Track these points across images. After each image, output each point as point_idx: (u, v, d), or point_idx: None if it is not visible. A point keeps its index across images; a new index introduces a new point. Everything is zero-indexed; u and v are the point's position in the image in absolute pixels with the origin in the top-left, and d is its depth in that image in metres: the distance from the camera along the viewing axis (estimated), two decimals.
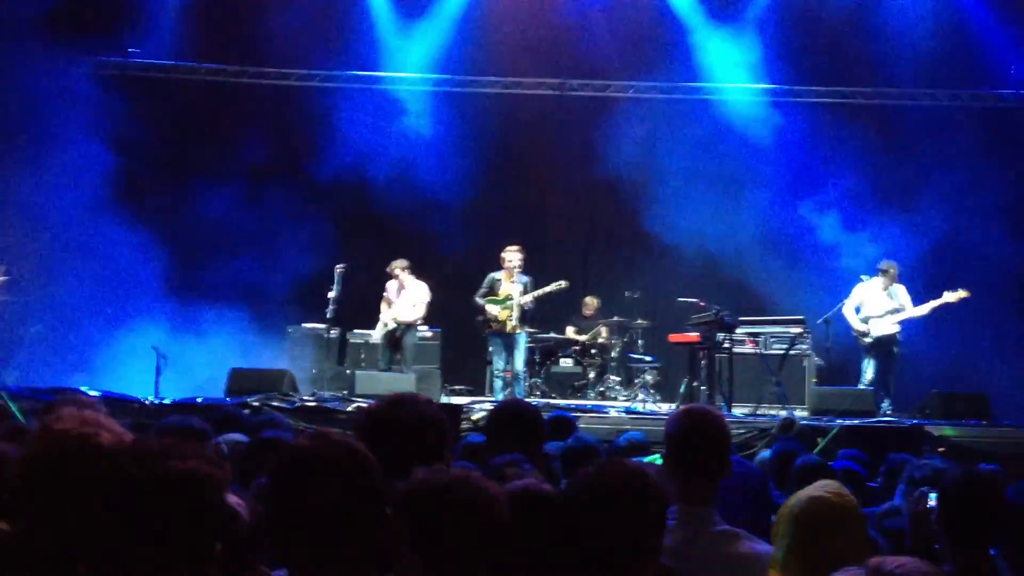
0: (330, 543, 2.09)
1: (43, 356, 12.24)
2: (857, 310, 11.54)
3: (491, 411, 4.15)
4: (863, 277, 11.69)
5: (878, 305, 11.47)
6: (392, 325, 11.82)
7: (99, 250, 12.73)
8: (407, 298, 11.84)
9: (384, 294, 11.96)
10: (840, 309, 11.56)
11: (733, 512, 3.31)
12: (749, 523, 3.13)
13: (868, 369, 11.47)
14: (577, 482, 2.68)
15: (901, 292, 11.54)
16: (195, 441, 4.32)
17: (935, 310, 11.38)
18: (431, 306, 11.88)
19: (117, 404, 8.94)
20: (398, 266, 11.86)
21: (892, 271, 11.50)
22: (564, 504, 2.63)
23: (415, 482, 2.28)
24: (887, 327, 11.39)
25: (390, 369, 11.66)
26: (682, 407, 3.50)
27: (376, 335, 12.04)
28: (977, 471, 3.83)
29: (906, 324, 11.49)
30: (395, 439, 2.84)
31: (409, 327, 11.86)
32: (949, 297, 11.24)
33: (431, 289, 11.89)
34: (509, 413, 4.14)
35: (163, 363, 10.87)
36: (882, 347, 11.43)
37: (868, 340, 11.44)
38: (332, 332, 12.25)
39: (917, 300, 11.48)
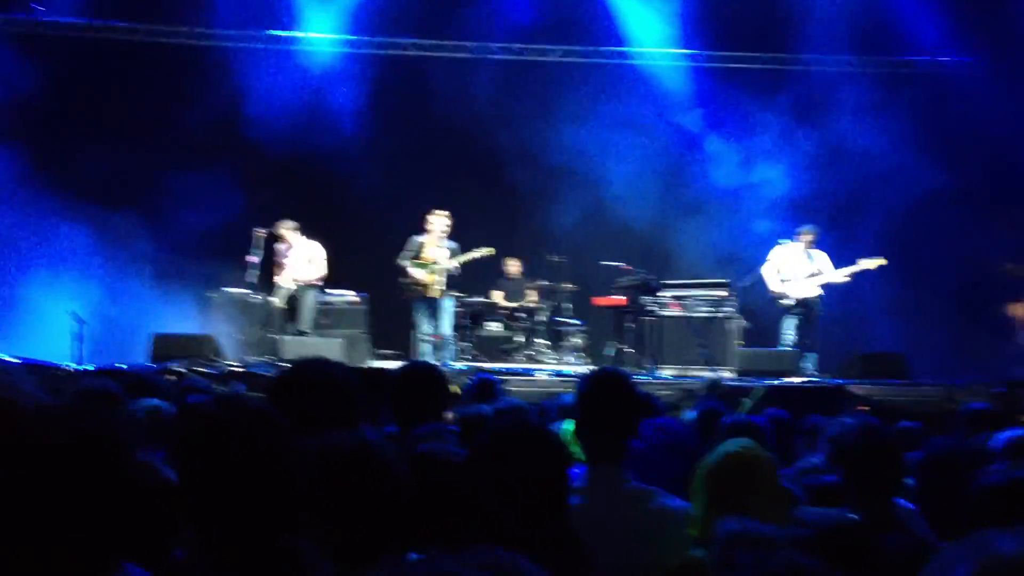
0: (238, 504, 2.09)
1: None
2: (777, 273, 11.72)
3: (395, 375, 4.12)
4: (780, 241, 11.86)
5: (797, 269, 11.67)
6: (292, 287, 11.64)
7: (13, 216, 12.40)
8: (300, 256, 11.66)
9: (274, 259, 11.76)
10: (759, 272, 11.73)
11: (664, 470, 3.35)
12: (681, 480, 3.16)
13: (788, 330, 11.68)
14: (477, 444, 2.68)
15: (821, 257, 11.75)
16: (109, 404, 4.27)
17: (853, 275, 11.60)
18: (330, 263, 11.73)
19: (37, 370, 8.73)
20: (286, 227, 11.65)
21: (811, 235, 11.71)
22: (465, 466, 2.64)
23: (311, 447, 2.28)
24: (808, 289, 11.60)
25: (300, 334, 11.46)
26: (592, 369, 3.57)
27: (278, 300, 11.80)
28: (872, 423, 3.97)
29: (830, 288, 11.70)
30: (305, 403, 2.84)
31: (308, 286, 11.70)
32: (866, 264, 11.48)
33: (327, 250, 11.75)
34: (412, 376, 4.14)
35: (82, 328, 10.67)
36: (804, 309, 11.64)
37: (786, 302, 11.63)
38: (256, 296, 12.08)
39: (839, 267, 11.69)
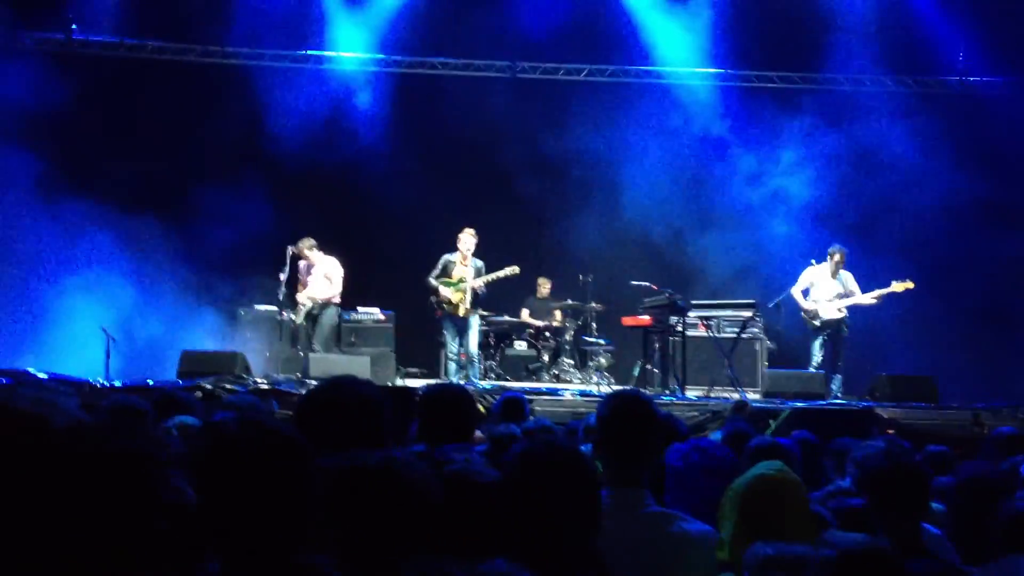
0: (254, 523, 2.10)
1: None
2: (805, 293, 11.68)
3: (422, 396, 4.10)
4: (812, 261, 11.82)
5: (826, 289, 11.63)
6: (309, 304, 11.70)
7: (44, 230, 12.54)
8: (318, 274, 11.71)
9: (299, 277, 11.83)
10: (789, 293, 11.70)
11: (702, 491, 3.33)
12: (718, 501, 3.14)
13: (817, 352, 11.63)
14: (509, 465, 2.69)
15: (848, 278, 11.70)
16: (137, 421, 4.32)
17: (881, 298, 11.54)
18: (347, 281, 11.77)
19: (65, 386, 8.80)
20: (305, 245, 11.68)
21: (840, 256, 11.66)
22: (497, 487, 2.64)
23: (337, 465, 2.30)
24: (834, 311, 11.55)
25: (313, 351, 11.50)
26: (612, 390, 3.55)
27: (298, 318, 11.84)
28: (899, 446, 3.95)
29: (855, 309, 11.64)
30: (334, 422, 2.84)
31: (325, 305, 11.74)
32: (896, 287, 11.41)
33: (344, 266, 11.77)
34: (440, 397, 4.11)
35: (112, 344, 10.76)
36: (830, 330, 11.59)
37: (816, 323, 11.59)
38: (285, 314, 12.16)
39: (863, 286, 11.64)
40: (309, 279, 11.77)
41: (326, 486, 2.29)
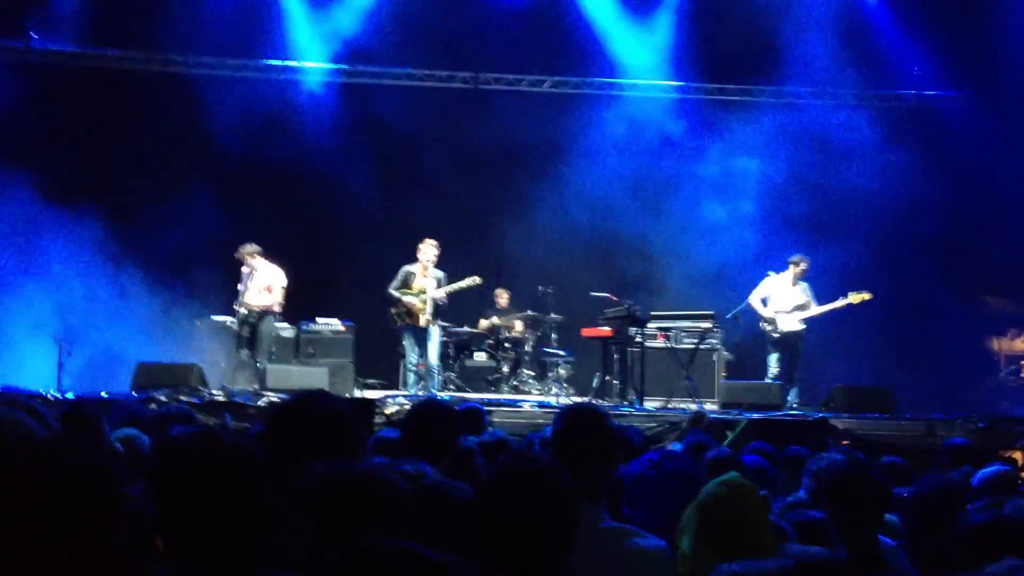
0: (213, 538, 2.10)
1: None
2: (764, 303, 11.76)
3: (409, 409, 4.13)
4: (770, 273, 11.90)
5: (786, 299, 11.69)
6: (244, 312, 11.44)
7: None
8: (257, 283, 11.46)
9: (238, 284, 11.59)
10: (747, 303, 11.77)
11: (670, 499, 3.32)
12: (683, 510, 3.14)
13: (773, 363, 11.72)
14: (488, 478, 2.67)
15: (806, 290, 11.78)
16: (90, 435, 4.27)
17: (838, 310, 11.63)
18: (287, 291, 11.56)
19: (17, 399, 8.66)
20: (247, 251, 11.42)
21: (803, 264, 11.73)
22: (474, 501, 2.62)
23: (319, 476, 2.29)
24: (793, 323, 11.64)
25: (254, 359, 11.37)
26: (567, 404, 3.55)
27: (234, 325, 11.66)
28: (857, 459, 3.99)
29: (812, 319, 11.74)
30: (304, 434, 2.84)
31: (263, 314, 11.52)
32: (852, 298, 11.50)
33: (303, 276, 11.64)
34: (426, 411, 4.13)
35: (65, 355, 10.62)
36: (788, 343, 11.67)
37: (775, 335, 11.66)
38: (228, 321, 12.00)
39: (820, 298, 11.74)
40: (250, 285, 11.51)
41: (306, 498, 2.29)
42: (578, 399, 11.86)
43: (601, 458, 3.19)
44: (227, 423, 7.11)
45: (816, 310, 11.67)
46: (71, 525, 1.89)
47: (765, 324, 11.74)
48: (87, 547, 1.91)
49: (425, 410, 4.15)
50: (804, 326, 11.68)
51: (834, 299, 11.62)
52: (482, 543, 2.46)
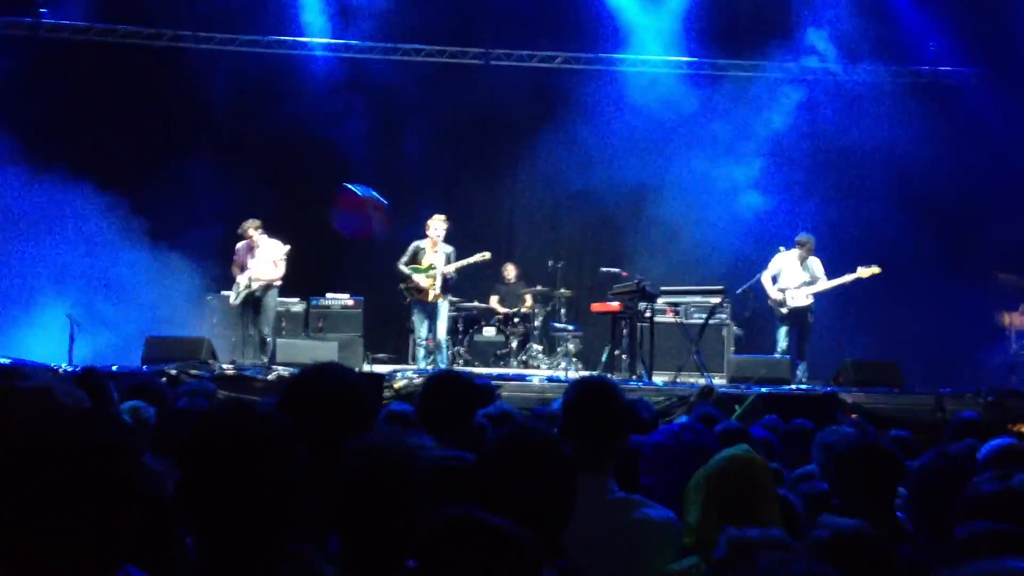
0: (241, 509, 2.09)
1: None
2: (774, 280, 11.76)
3: (424, 382, 4.11)
4: (781, 248, 11.89)
5: (794, 277, 11.70)
6: (253, 286, 11.43)
7: (8, 213, 12.41)
8: (264, 256, 11.45)
9: (234, 257, 11.58)
10: (758, 279, 11.77)
11: (684, 472, 3.33)
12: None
13: (783, 338, 11.72)
14: (486, 450, 2.69)
15: (816, 264, 11.78)
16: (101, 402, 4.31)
17: (848, 284, 11.62)
18: (288, 264, 11.54)
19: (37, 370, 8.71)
20: (250, 226, 11.44)
21: (809, 244, 11.73)
22: (474, 472, 2.65)
23: (367, 451, 2.32)
24: (802, 299, 11.63)
25: (260, 333, 11.37)
26: (577, 377, 3.55)
27: (234, 298, 11.62)
28: (869, 433, 3.99)
29: (821, 294, 11.73)
30: (321, 408, 2.84)
31: (268, 287, 11.52)
32: (862, 272, 11.49)
33: (294, 249, 11.55)
34: (442, 385, 4.09)
35: (77, 330, 10.66)
36: (797, 318, 11.68)
37: (783, 310, 11.67)
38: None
39: (832, 272, 11.73)
40: (251, 260, 11.49)
41: (340, 471, 2.33)
42: (586, 373, 11.89)
43: (612, 431, 3.21)
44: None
45: (825, 284, 11.66)
46: (96, 497, 1.90)
47: (773, 303, 11.74)
48: (109, 520, 1.91)
49: (440, 383, 4.12)
50: (812, 300, 11.68)
51: (844, 274, 11.61)
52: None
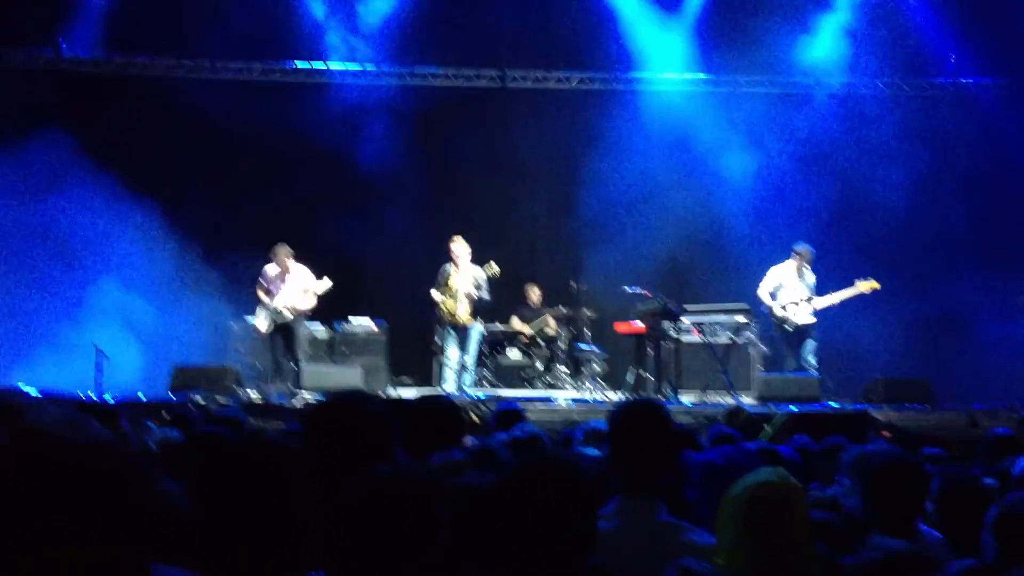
0: (255, 544, 2.08)
1: None
2: (773, 296, 11.62)
3: (410, 408, 4.09)
4: (772, 268, 11.75)
5: (795, 291, 11.55)
6: (287, 314, 11.39)
7: (35, 245, 12.51)
8: (296, 285, 11.41)
9: (261, 281, 11.51)
10: (756, 294, 11.65)
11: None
12: None
13: (790, 356, 11.59)
14: (505, 477, 2.65)
15: (812, 278, 11.64)
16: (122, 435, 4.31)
17: (847, 300, 11.48)
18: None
19: (56, 402, 8.74)
20: (283, 252, 11.38)
21: (807, 254, 11.59)
22: (494, 498, 2.61)
23: (375, 478, 2.29)
24: (805, 316, 11.48)
25: (293, 361, 11.36)
26: (625, 399, 3.53)
27: (262, 325, 11.56)
28: (896, 451, 3.93)
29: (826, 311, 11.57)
30: (343, 437, 2.84)
31: (299, 316, 11.50)
32: (861, 287, 11.36)
33: (334, 275, 11.53)
34: (426, 408, 4.11)
35: (103, 360, 10.70)
36: (799, 335, 11.53)
37: (789, 327, 11.52)
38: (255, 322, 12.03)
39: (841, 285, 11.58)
40: (282, 287, 11.46)
41: (351, 500, 2.29)
42: (611, 395, 11.82)
43: (659, 452, 3.18)
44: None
45: (825, 301, 11.50)
46: (89, 527, 1.88)
47: (777, 319, 11.60)
48: (104, 553, 1.89)
49: (426, 407, 4.14)
50: (815, 319, 11.53)
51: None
52: (499, 539, 2.45)
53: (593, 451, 4.13)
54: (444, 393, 10.11)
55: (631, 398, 4.47)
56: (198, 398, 9.35)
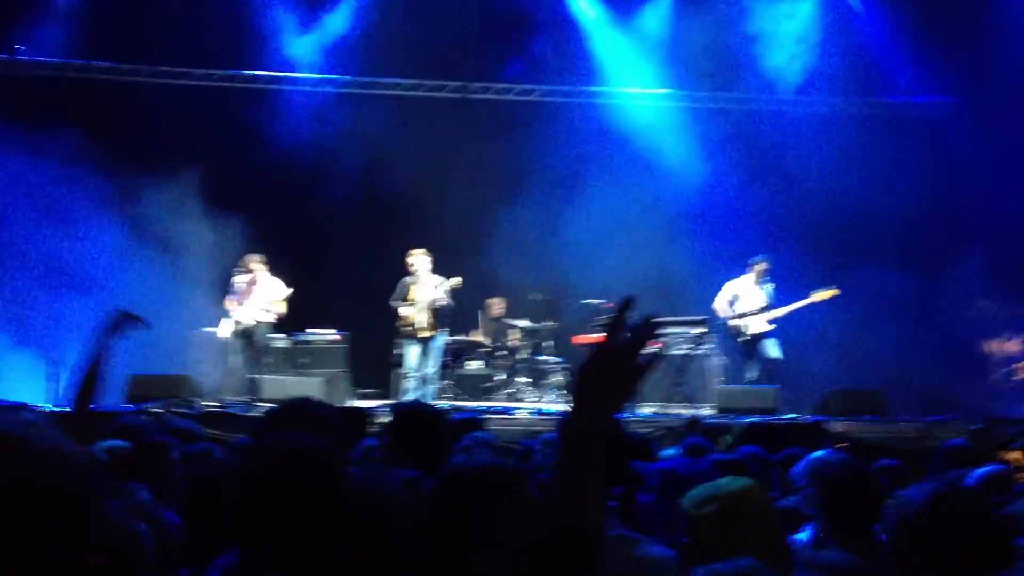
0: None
1: None
2: (731, 305, 11.73)
3: (393, 415, 3.99)
4: (729, 281, 11.86)
5: (752, 301, 11.69)
6: (249, 323, 11.43)
7: None
8: (263, 295, 11.44)
9: (231, 289, 11.52)
10: (712, 307, 11.75)
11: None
12: None
13: (748, 367, 11.70)
14: (437, 484, 2.57)
15: (769, 292, 11.77)
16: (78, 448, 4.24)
17: (804, 309, 11.62)
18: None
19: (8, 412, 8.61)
20: (255, 260, 11.44)
21: (763, 267, 11.74)
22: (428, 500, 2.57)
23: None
24: (762, 325, 11.62)
25: (252, 370, 11.36)
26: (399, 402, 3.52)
27: (224, 332, 11.56)
28: (852, 461, 3.96)
29: (782, 320, 11.69)
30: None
31: (264, 324, 11.53)
32: (816, 296, 11.51)
33: (296, 285, 11.56)
34: (411, 416, 3.99)
35: (55, 369, 10.56)
36: (755, 345, 11.65)
37: (744, 338, 11.65)
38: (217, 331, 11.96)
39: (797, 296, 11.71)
40: (249, 297, 11.48)
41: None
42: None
43: (612, 464, 3.14)
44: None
45: (781, 310, 11.65)
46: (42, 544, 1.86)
47: (733, 328, 11.71)
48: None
49: (412, 416, 3.99)
50: (773, 326, 11.66)
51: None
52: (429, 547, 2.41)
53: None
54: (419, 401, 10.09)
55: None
56: (154, 408, 9.24)
